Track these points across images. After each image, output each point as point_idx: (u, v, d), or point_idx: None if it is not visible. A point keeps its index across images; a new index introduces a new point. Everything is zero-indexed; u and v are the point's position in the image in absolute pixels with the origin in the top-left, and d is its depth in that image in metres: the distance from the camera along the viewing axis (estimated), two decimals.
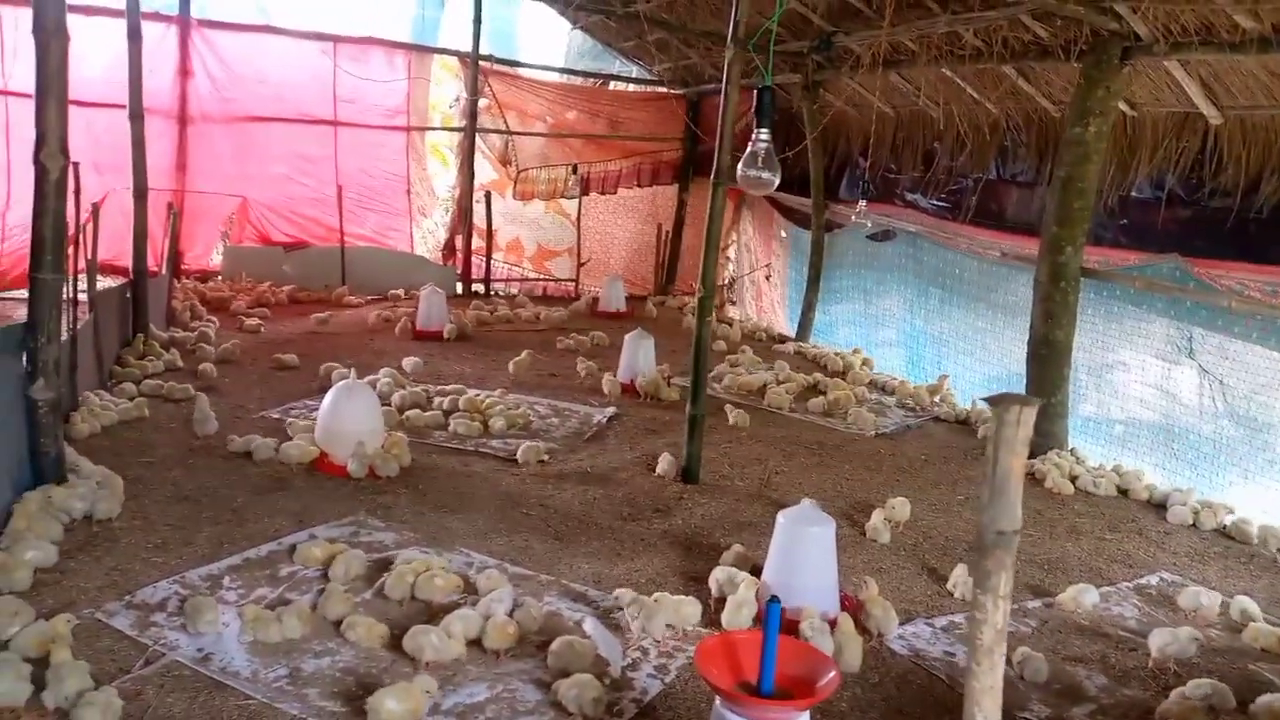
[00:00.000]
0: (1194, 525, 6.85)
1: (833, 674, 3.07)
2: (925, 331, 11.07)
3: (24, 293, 8.54)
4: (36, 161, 5.45)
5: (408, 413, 7.92)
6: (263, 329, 11.14)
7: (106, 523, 5.45)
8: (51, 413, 5.63)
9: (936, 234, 10.59)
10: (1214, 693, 4.32)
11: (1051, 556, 6.15)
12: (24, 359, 5.56)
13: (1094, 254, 8.18)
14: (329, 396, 6.80)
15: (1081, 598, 5.36)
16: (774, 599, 3.03)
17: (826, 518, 4.94)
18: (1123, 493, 7.46)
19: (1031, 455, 7.86)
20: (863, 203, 10.21)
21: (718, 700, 3.11)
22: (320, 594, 4.72)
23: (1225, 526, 6.77)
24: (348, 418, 6.64)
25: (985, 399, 1.67)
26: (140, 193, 9.52)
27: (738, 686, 3.08)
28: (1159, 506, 7.19)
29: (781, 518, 4.95)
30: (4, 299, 11.54)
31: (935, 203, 10.95)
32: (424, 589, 4.78)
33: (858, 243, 12.12)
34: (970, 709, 1.70)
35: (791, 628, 4.33)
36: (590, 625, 4.51)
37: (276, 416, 7.82)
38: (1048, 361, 8.04)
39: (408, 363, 9.46)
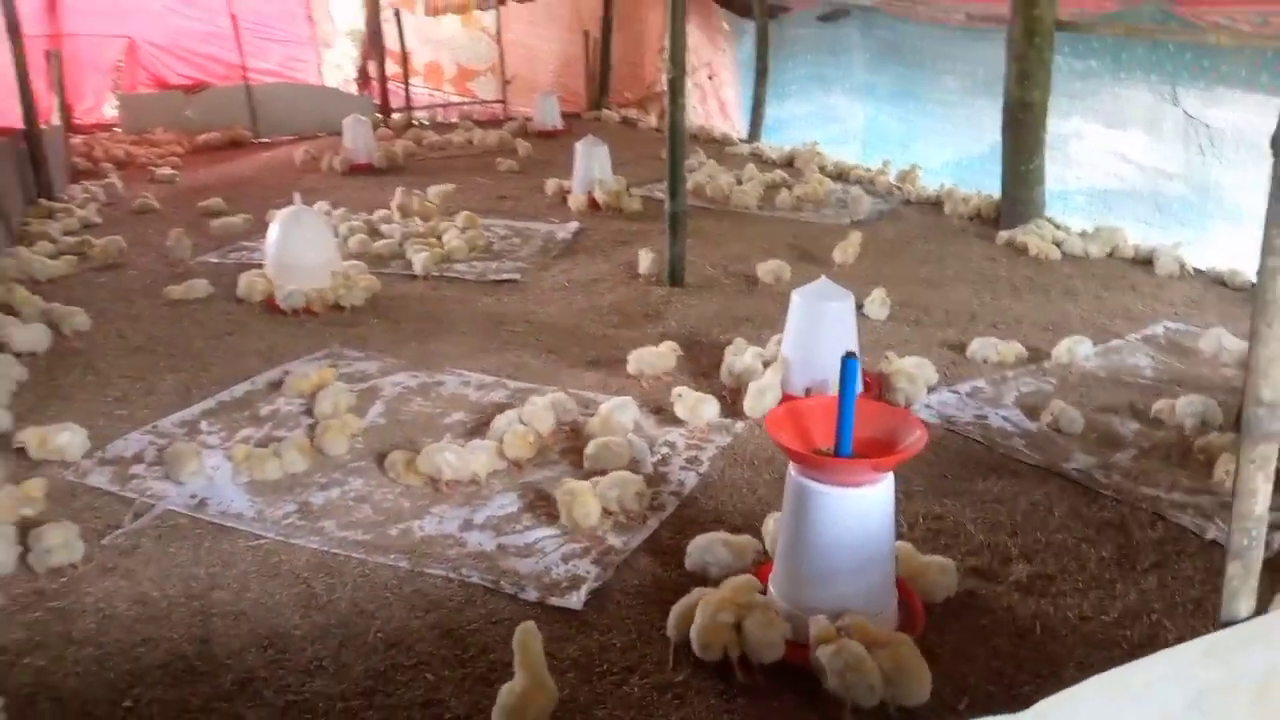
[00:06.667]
0: (1183, 275, 6.77)
1: (919, 432, 2.81)
2: (883, 115, 10.62)
3: None
4: None
5: (350, 241, 7.34)
6: (178, 178, 10.26)
7: (59, 380, 4.96)
8: None
9: (893, 5, 9.96)
10: (1204, 408, 4.38)
11: (1052, 318, 6.01)
12: None
13: (1067, 5, 7.70)
14: (275, 227, 6.20)
15: (1076, 349, 5.25)
16: (850, 354, 2.73)
17: (844, 291, 4.65)
18: (1108, 253, 7.32)
19: (1010, 226, 7.74)
20: None
21: (793, 469, 2.85)
22: (311, 429, 4.34)
23: (1219, 273, 6.71)
24: (300, 247, 6.08)
25: None
26: (13, 28, 8.41)
27: (815, 453, 2.83)
28: (1145, 263, 7.08)
29: (797, 296, 4.64)
30: None
31: None
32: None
33: (806, 28, 11.43)
34: (1255, 382, 1.41)
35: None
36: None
37: (215, 261, 7.20)
38: (1024, 125, 7.68)
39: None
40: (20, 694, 2.81)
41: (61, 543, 3.37)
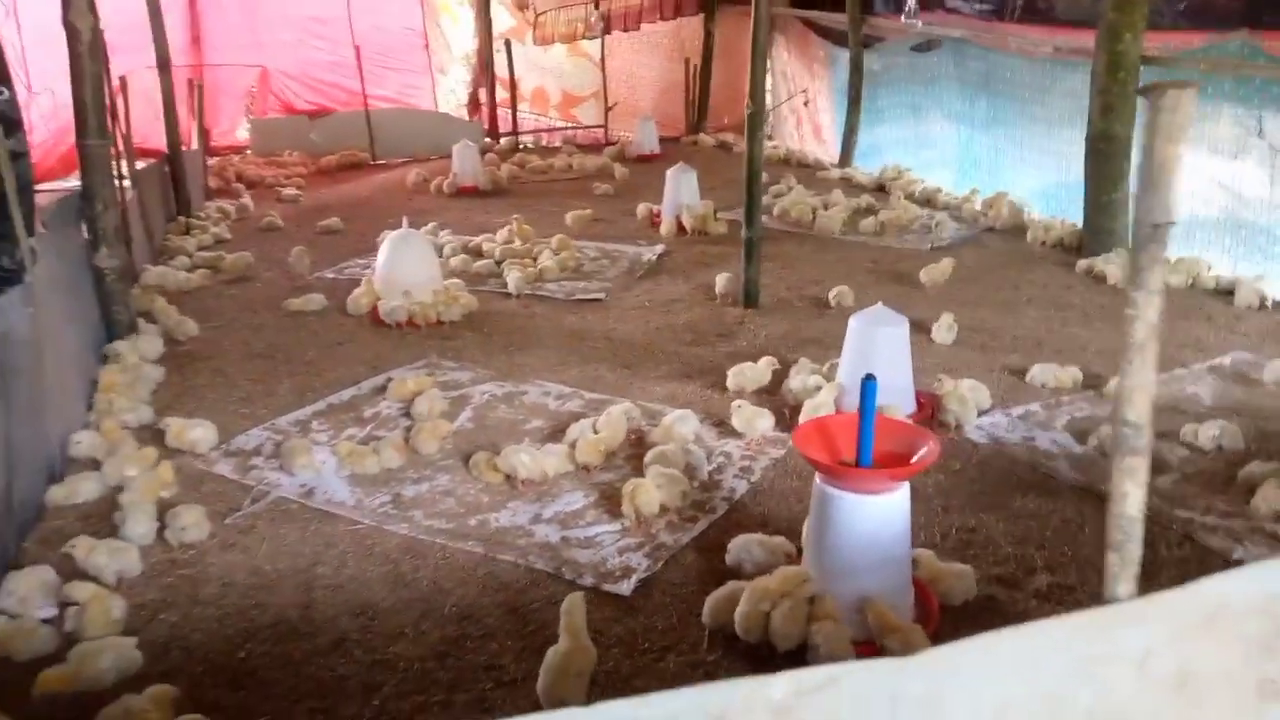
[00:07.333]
0: (1262, 307, 6.76)
1: (930, 445, 3.11)
2: (975, 143, 10.72)
3: (52, 185, 8.62)
4: (66, 23, 5.34)
5: (453, 260, 7.94)
6: (301, 198, 11.11)
7: (191, 381, 5.63)
8: (119, 280, 5.70)
9: (983, 37, 10.10)
10: (1222, 432, 4.58)
11: (1119, 346, 6.10)
12: (84, 228, 5.60)
13: (1154, 40, 7.75)
14: (385, 247, 6.82)
15: None
16: (870, 376, 3.05)
17: (899, 317, 4.93)
18: (1189, 284, 7.33)
19: (1091, 255, 7.80)
20: (912, 2, 9.71)
21: (818, 477, 3.17)
22: (408, 430, 4.86)
23: None
24: (406, 266, 6.68)
25: (1139, 89, 1.59)
26: (164, 62, 9.35)
27: (837, 464, 3.14)
28: (1226, 294, 7.08)
29: (854, 321, 4.94)
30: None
31: (979, 5, 10.43)
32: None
33: (899, 57, 11.62)
34: (1121, 408, 1.70)
35: None
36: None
37: (331, 276, 7.88)
38: (1107, 157, 7.76)
39: None
40: (157, 642, 3.35)
41: (194, 522, 3.95)
